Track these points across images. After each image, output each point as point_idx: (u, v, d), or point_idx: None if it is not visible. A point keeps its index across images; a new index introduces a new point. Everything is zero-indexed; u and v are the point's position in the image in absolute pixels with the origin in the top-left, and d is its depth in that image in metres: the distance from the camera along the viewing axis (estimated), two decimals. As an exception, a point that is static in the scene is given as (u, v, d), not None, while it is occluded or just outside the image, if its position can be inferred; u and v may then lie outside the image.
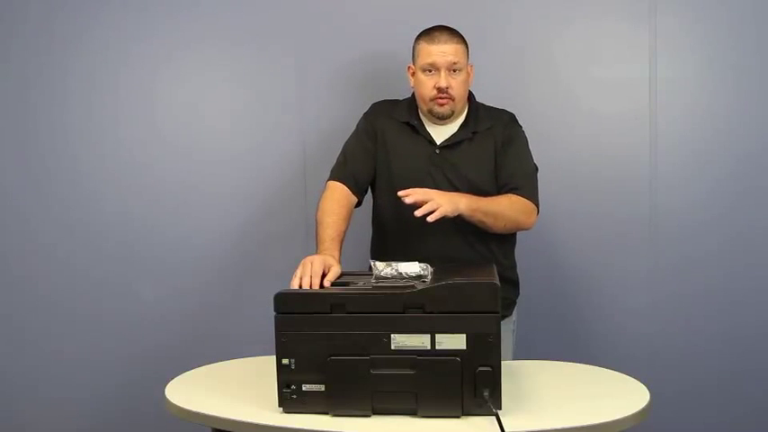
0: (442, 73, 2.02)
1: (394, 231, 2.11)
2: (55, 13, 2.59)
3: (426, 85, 2.06)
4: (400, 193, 1.83)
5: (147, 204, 2.63)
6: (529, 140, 2.14)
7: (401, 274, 1.64)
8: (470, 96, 2.17)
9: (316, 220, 2.00)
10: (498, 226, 2.02)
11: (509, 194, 2.04)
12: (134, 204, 2.63)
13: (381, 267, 1.66)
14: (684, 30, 2.49)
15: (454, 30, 2.08)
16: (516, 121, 2.16)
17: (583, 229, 2.55)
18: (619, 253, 2.54)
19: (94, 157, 2.63)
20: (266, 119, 2.62)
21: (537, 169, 2.12)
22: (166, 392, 1.74)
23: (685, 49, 2.50)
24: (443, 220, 1.91)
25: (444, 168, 2.07)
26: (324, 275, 1.71)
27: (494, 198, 2.02)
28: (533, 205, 2.06)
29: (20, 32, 2.60)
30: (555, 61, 2.53)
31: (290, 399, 1.56)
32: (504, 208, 2.01)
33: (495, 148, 2.09)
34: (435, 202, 1.81)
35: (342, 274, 1.76)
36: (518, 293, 2.22)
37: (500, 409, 1.50)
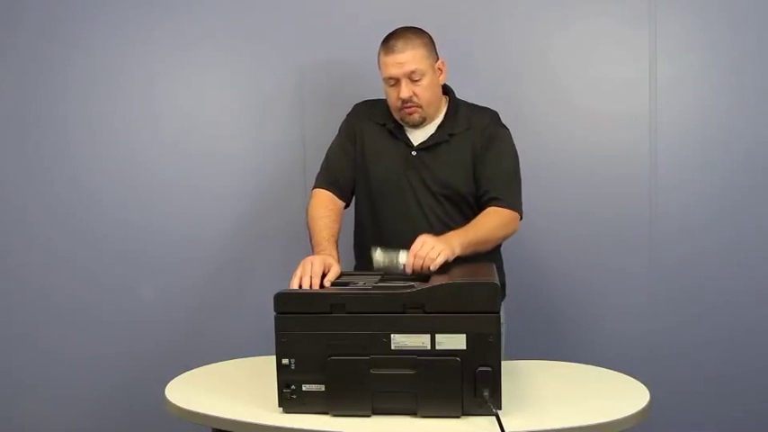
0: (402, 83, 1.98)
1: (373, 233, 2.10)
2: (55, 14, 2.59)
3: (391, 97, 2.03)
4: (408, 271, 1.75)
5: (146, 204, 2.63)
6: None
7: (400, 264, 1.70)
8: (450, 94, 2.13)
9: (307, 227, 2.01)
10: (488, 248, 2.00)
11: (492, 210, 1.99)
12: (134, 204, 2.63)
13: (380, 258, 1.71)
14: (684, 30, 2.49)
15: (412, 32, 2.01)
16: (498, 120, 2.10)
17: (582, 229, 2.55)
18: (618, 253, 2.54)
19: (94, 156, 2.63)
20: (266, 119, 2.62)
21: (518, 171, 2.05)
22: (166, 392, 1.74)
23: (685, 49, 2.50)
24: (422, 223, 1.97)
25: (420, 171, 2.05)
26: (324, 275, 1.71)
27: (479, 222, 1.96)
28: (516, 213, 2.02)
29: (20, 32, 2.60)
30: (554, 61, 2.53)
31: (290, 399, 1.56)
32: (491, 231, 1.97)
33: (473, 151, 2.04)
34: (435, 250, 1.73)
35: (341, 274, 1.76)
36: (504, 295, 2.18)
37: (500, 409, 1.50)
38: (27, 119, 2.62)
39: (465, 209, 2.06)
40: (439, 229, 1.98)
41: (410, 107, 2.00)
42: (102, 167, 2.63)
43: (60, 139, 2.63)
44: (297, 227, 2.57)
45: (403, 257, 1.75)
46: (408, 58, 1.97)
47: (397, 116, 2.07)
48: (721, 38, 2.48)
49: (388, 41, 2.01)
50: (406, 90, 1.98)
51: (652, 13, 2.48)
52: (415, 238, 1.83)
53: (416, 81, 1.98)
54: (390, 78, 2.00)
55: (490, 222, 1.98)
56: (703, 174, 2.51)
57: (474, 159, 2.04)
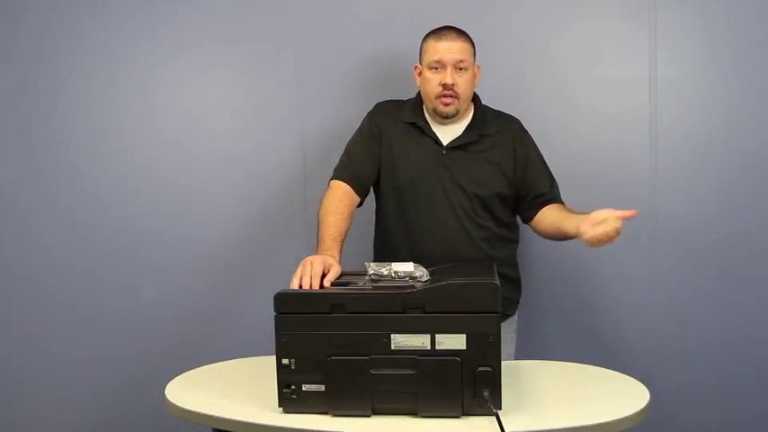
0: (448, 70, 2.03)
1: (398, 233, 2.11)
2: (55, 14, 2.59)
3: (432, 82, 2.05)
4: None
5: (146, 205, 2.63)
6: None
7: (396, 273, 1.64)
8: (477, 99, 2.17)
9: (318, 219, 2.00)
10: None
11: (557, 206, 2.10)
12: (134, 205, 2.63)
13: (375, 269, 1.66)
14: (684, 30, 2.49)
15: (462, 30, 2.09)
16: (523, 126, 2.18)
17: (583, 229, 2.54)
18: (619, 253, 2.52)
19: (95, 157, 2.63)
20: (266, 119, 2.62)
21: None
22: (166, 392, 1.74)
23: (685, 49, 2.50)
24: (452, 220, 2.01)
25: (452, 169, 2.07)
26: (324, 275, 1.71)
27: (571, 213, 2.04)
28: None
29: (20, 33, 2.60)
30: (555, 61, 2.53)
31: (290, 399, 1.57)
32: None
33: (509, 154, 2.10)
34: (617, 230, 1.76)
35: (342, 274, 1.76)
36: (520, 293, 2.22)
37: (500, 409, 1.50)
38: (27, 119, 2.62)
39: (492, 207, 2.10)
40: (468, 226, 2.05)
41: (448, 96, 2.04)
42: (102, 168, 2.62)
43: (60, 139, 2.62)
44: (296, 227, 2.58)
45: (397, 267, 1.68)
46: (460, 47, 2.04)
47: (431, 105, 2.09)
48: (721, 38, 2.47)
49: (441, 31, 2.07)
50: (450, 76, 2.03)
51: (652, 13, 2.48)
52: (445, 236, 1.98)
53: (460, 71, 2.04)
54: (437, 62, 2.04)
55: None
56: (703, 174, 2.51)
57: (515, 164, 2.10)
